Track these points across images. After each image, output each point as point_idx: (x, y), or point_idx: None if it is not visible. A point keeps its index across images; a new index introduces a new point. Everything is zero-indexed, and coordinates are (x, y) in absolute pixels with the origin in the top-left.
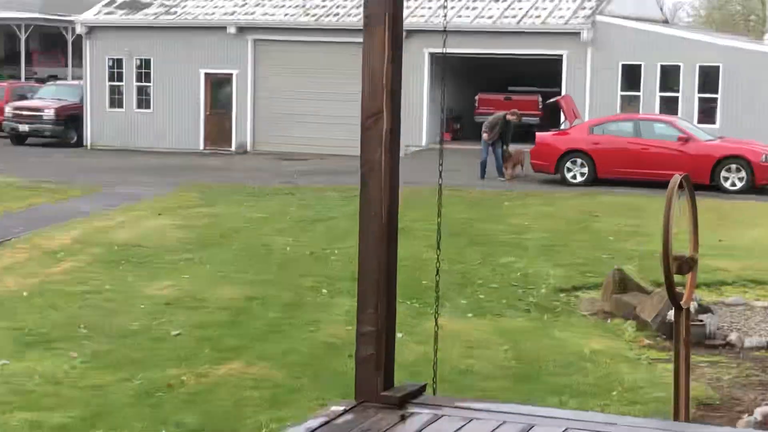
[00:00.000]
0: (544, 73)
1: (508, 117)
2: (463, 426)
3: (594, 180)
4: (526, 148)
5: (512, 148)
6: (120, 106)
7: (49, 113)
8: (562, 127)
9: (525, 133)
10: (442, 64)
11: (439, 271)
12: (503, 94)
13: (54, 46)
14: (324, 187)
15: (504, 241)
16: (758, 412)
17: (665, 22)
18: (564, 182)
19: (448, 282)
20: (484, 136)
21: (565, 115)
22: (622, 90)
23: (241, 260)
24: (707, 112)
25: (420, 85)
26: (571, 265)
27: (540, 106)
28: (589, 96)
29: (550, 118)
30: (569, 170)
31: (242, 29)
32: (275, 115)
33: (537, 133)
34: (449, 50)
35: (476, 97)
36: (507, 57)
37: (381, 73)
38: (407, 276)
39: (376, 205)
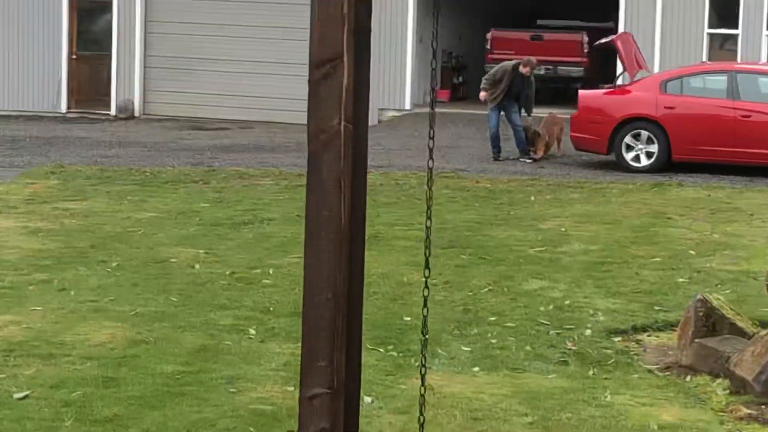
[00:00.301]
0: (590, 3)
1: (521, 69)
2: None
3: (667, 163)
4: (564, 114)
5: (541, 115)
6: None
7: None
8: (619, 82)
9: (562, 92)
10: None
11: (427, 302)
12: (529, 30)
13: None
14: (252, 171)
15: (529, 257)
16: None
17: None
18: (621, 166)
19: (444, 318)
20: (482, 95)
21: (623, 63)
22: (710, 26)
23: (124, 283)
24: None
25: (402, 15)
26: (631, 294)
27: (585, 50)
28: (660, 34)
29: (601, 68)
30: (629, 149)
31: None
32: (177, 61)
33: (581, 92)
34: None
35: (488, 36)
36: None
37: None
38: (380, 309)
39: (331, 201)
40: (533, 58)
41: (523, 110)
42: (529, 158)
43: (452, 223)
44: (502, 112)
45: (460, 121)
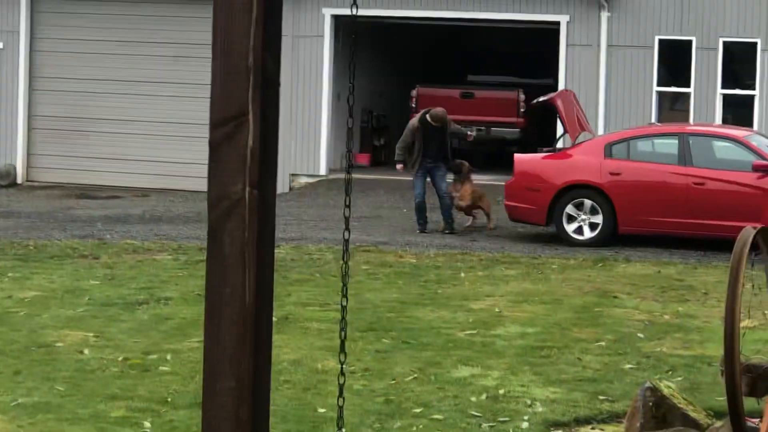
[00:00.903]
0: (529, 54)
1: (428, 117)
2: None
3: (613, 236)
4: (497, 181)
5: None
6: None
7: None
8: (560, 145)
9: (495, 156)
10: (354, 34)
11: (343, 391)
12: (459, 87)
13: None
14: (148, 244)
15: (458, 341)
16: None
17: None
18: (562, 239)
19: (363, 410)
20: (398, 167)
21: (564, 124)
22: (659, 84)
23: (4, 371)
24: None
25: (317, 69)
26: (573, 382)
27: (521, 109)
28: (604, 93)
29: (540, 129)
30: (571, 219)
31: None
32: (64, 121)
33: (516, 156)
34: (367, 12)
35: (413, 93)
36: (466, 25)
37: (244, 45)
38: (291, 400)
39: (234, 276)
40: (439, 109)
41: (446, 165)
42: (449, 230)
43: (372, 302)
44: (428, 178)
45: (382, 188)
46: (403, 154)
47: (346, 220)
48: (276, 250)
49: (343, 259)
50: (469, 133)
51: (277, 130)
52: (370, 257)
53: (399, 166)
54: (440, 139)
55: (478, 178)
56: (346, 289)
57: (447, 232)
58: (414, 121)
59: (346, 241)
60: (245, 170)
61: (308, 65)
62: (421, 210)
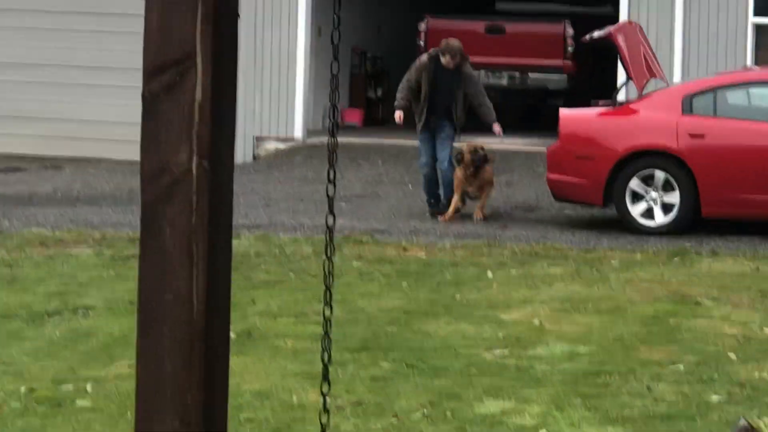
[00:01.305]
0: None
1: (442, 60)
2: None
3: (693, 220)
4: (537, 146)
5: (477, 142)
6: None
7: None
8: (621, 97)
9: (533, 111)
10: None
11: None
12: (484, 18)
13: None
14: (61, 234)
15: (484, 365)
16: None
17: None
18: (625, 225)
19: None
20: (397, 115)
21: (626, 69)
22: (757, 13)
23: None
24: None
25: None
26: (641, 420)
27: (569, 48)
28: (681, 26)
29: (594, 75)
30: (637, 198)
31: None
32: None
33: (563, 112)
34: None
35: (421, 27)
36: None
37: None
38: None
39: (177, 278)
40: (454, 41)
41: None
42: (441, 216)
43: (367, 312)
44: (429, 138)
45: (380, 155)
46: (405, 98)
47: (330, 200)
48: (235, 242)
49: (326, 253)
50: (496, 128)
51: (236, 78)
52: (363, 251)
53: (398, 114)
54: (450, 88)
55: (510, 143)
56: (331, 295)
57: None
58: (423, 57)
59: (330, 230)
60: (192, 134)
61: None
62: (430, 184)
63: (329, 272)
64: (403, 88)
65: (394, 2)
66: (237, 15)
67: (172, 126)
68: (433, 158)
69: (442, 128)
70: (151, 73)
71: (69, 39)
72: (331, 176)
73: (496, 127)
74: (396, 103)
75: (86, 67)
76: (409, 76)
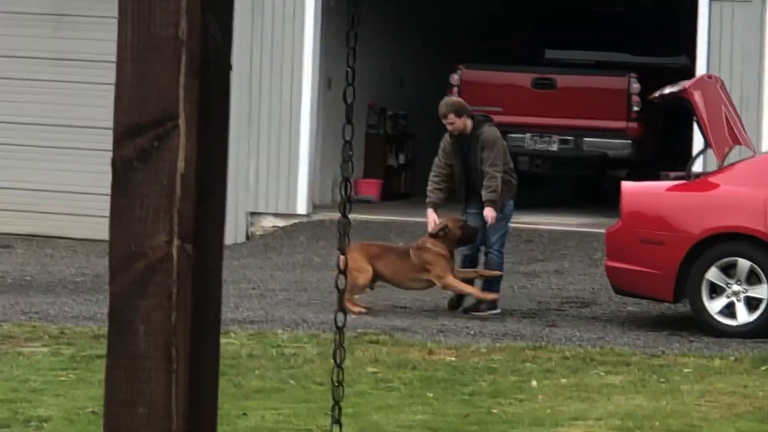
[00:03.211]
0: (648, 16)
1: (448, 126)
2: None
3: None
4: (593, 226)
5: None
6: None
7: None
8: (696, 168)
9: (590, 184)
10: None
11: None
12: (531, 69)
13: None
14: (11, 329)
15: None
16: None
17: None
18: (701, 325)
19: None
20: (428, 214)
21: (705, 133)
22: None
23: None
24: None
25: (294, 42)
26: None
27: (633, 107)
28: None
29: (664, 141)
30: (717, 292)
31: None
32: None
33: (625, 185)
34: None
35: (454, 79)
36: None
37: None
38: None
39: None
40: (450, 98)
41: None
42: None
43: (384, 430)
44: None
45: (402, 236)
46: (438, 189)
47: (341, 293)
48: (224, 341)
49: (334, 358)
50: (487, 212)
51: (227, 142)
52: (380, 353)
53: (430, 218)
54: (472, 158)
55: (561, 222)
56: (340, 410)
57: (485, 311)
58: (447, 134)
59: (340, 330)
60: (172, 211)
61: (280, 35)
62: (468, 261)
63: (338, 382)
64: (434, 175)
65: (418, 50)
66: (229, 66)
67: (149, 201)
68: (476, 247)
69: (474, 207)
70: (123, 135)
71: (19, 89)
72: (342, 264)
73: (488, 212)
74: (428, 198)
75: (43, 124)
76: (438, 158)
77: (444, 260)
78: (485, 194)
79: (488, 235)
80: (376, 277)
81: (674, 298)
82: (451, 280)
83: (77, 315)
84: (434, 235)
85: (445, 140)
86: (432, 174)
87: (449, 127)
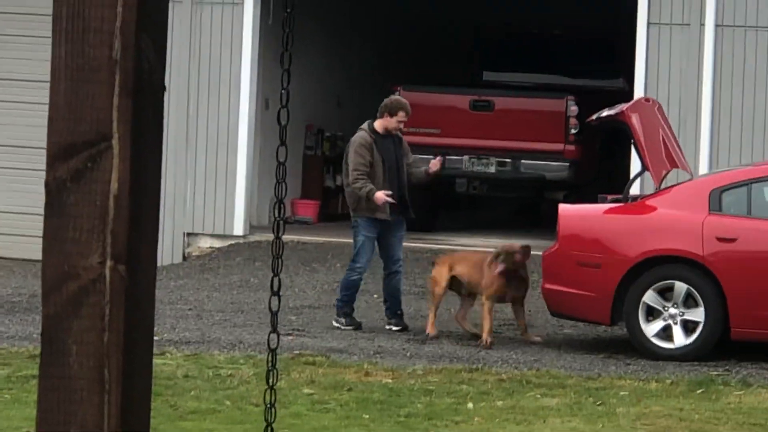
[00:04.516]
0: (586, 38)
1: (389, 125)
2: None
3: (720, 343)
4: (532, 249)
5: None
6: None
7: None
8: (633, 191)
9: (528, 207)
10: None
11: None
12: (469, 91)
13: None
14: None
15: None
16: None
17: None
18: (638, 347)
19: None
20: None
21: (642, 156)
22: None
23: None
24: None
25: (231, 60)
26: None
27: (571, 130)
28: (709, 104)
29: (601, 164)
30: (653, 315)
31: None
32: None
33: (562, 208)
34: None
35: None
36: None
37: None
38: None
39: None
40: (399, 103)
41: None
42: (397, 325)
43: None
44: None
45: (339, 258)
46: (363, 182)
47: (273, 316)
48: (159, 362)
49: (267, 380)
50: (433, 161)
51: (160, 163)
52: (316, 374)
53: (383, 195)
54: (399, 165)
55: (497, 245)
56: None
57: (397, 328)
58: (363, 133)
59: (273, 352)
60: (105, 232)
61: (217, 53)
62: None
63: (271, 404)
64: (361, 174)
65: (357, 71)
66: (163, 86)
67: (81, 222)
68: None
69: (399, 222)
70: (56, 156)
71: None
72: (275, 286)
73: (434, 162)
74: (366, 189)
75: None
76: (360, 158)
77: (497, 282)
78: (428, 170)
79: (397, 251)
80: (458, 282)
81: (611, 320)
82: (487, 302)
83: (13, 335)
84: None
85: (363, 137)
86: (359, 173)
87: (401, 126)
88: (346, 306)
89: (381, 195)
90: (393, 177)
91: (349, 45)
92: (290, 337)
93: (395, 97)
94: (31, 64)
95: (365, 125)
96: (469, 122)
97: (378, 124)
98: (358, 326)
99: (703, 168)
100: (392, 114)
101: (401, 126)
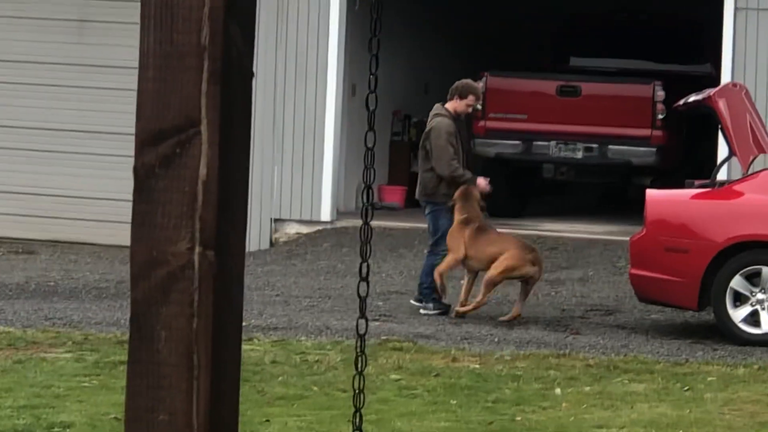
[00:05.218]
0: (673, 24)
1: (466, 106)
2: None
3: None
4: (619, 235)
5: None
6: None
7: None
8: (720, 176)
9: (615, 192)
10: None
11: None
12: (556, 77)
13: None
14: (34, 334)
15: None
16: None
17: None
18: (725, 333)
19: None
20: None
21: (729, 141)
22: None
23: None
24: None
25: (318, 48)
26: None
27: (658, 115)
28: None
29: (689, 149)
30: (741, 300)
31: None
32: None
33: (650, 193)
34: None
35: (479, 86)
36: None
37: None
38: None
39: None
40: (472, 87)
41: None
42: (438, 308)
43: None
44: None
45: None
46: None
47: (362, 301)
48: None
49: (355, 366)
50: (482, 181)
51: (248, 149)
52: (403, 360)
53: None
54: (464, 150)
55: (585, 230)
56: (361, 418)
57: (436, 311)
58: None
59: (361, 337)
60: (194, 217)
61: (305, 41)
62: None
63: (360, 390)
64: (454, 159)
65: (444, 57)
66: (251, 73)
67: (170, 208)
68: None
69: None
70: (144, 142)
71: (43, 95)
72: (364, 271)
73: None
74: (469, 175)
75: (66, 130)
76: (449, 143)
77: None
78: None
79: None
80: None
81: (698, 306)
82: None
83: (101, 321)
84: None
85: (450, 124)
86: (456, 160)
87: (469, 109)
88: (433, 291)
89: (483, 182)
90: (463, 160)
91: (437, 31)
92: (377, 323)
93: (466, 80)
94: (122, 50)
95: (443, 110)
96: (556, 108)
97: (450, 107)
98: (446, 310)
99: None
100: (462, 96)
101: (469, 110)
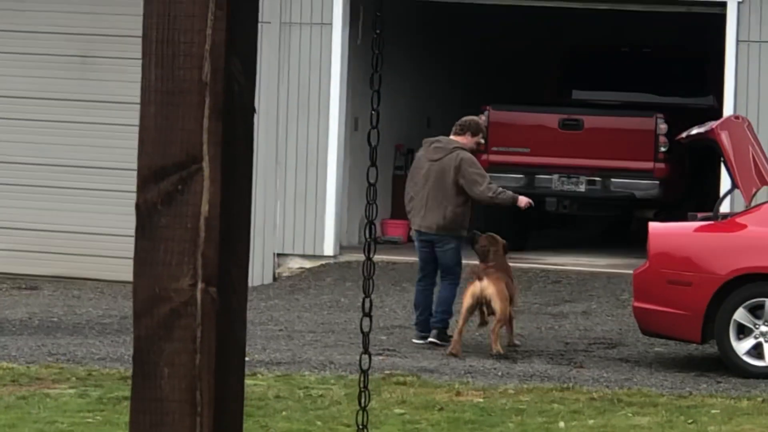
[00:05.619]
0: (674, 57)
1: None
2: None
3: None
4: (622, 268)
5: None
6: None
7: None
8: (723, 209)
9: (618, 225)
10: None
11: None
12: (558, 110)
13: None
14: (37, 370)
15: None
16: None
17: None
18: (729, 365)
19: None
20: (525, 201)
21: (732, 173)
22: None
23: None
24: None
25: (320, 81)
26: None
27: (660, 148)
28: None
29: (692, 182)
30: (744, 333)
31: None
32: None
33: (653, 226)
34: None
35: (482, 119)
36: (573, 6)
37: (196, 44)
38: None
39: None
40: (475, 124)
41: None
42: (439, 339)
43: None
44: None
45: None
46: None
47: (365, 337)
48: (250, 382)
49: (359, 401)
50: (526, 200)
51: (251, 184)
52: (407, 394)
53: (525, 200)
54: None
55: (588, 263)
56: None
57: (439, 342)
58: (468, 152)
59: (365, 373)
60: (196, 254)
61: (306, 74)
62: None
63: (363, 425)
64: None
65: (446, 90)
66: (253, 109)
67: (173, 245)
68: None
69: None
70: (146, 179)
71: (45, 131)
72: (367, 307)
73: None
74: (510, 194)
75: (68, 166)
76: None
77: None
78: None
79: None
80: None
81: (701, 338)
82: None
83: (104, 357)
84: None
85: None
86: (491, 183)
87: (476, 147)
88: (447, 321)
89: (525, 199)
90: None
91: (439, 64)
92: (381, 357)
93: (475, 118)
94: (124, 86)
95: (458, 143)
96: (559, 141)
97: (460, 141)
98: (443, 344)
99: None
100: (474, 134)
101: (476, 147)
